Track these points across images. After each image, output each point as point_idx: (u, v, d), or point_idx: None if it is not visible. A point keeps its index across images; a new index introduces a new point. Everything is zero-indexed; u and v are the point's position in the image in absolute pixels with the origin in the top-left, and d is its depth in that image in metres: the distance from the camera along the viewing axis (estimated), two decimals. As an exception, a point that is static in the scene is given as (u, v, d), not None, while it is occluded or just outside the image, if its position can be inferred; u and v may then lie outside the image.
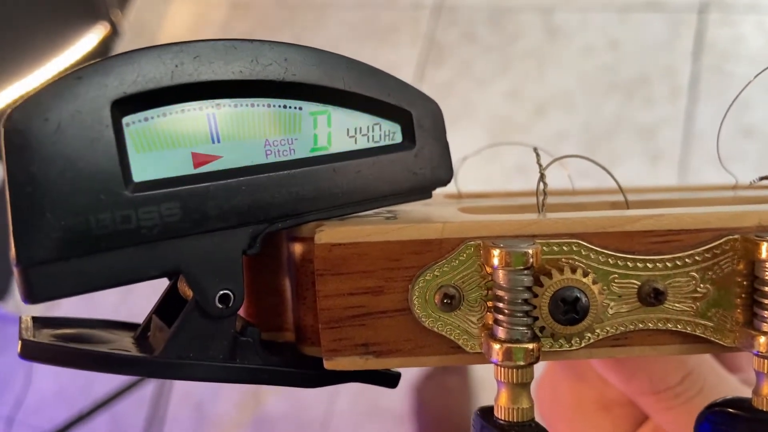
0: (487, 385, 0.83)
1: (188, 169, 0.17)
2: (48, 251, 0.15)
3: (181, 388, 0.91)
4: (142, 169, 0.16)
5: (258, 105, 0.18)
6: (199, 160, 0.17)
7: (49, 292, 0.15)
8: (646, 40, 0.97)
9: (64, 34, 1.05)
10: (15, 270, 0.15)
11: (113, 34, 1.10)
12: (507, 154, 0.97)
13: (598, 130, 0.94)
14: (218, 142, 0.17)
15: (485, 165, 0.97)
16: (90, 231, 0.15)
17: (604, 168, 0.21)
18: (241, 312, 0.21)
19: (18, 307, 0.94)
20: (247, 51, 0.17)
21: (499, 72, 1.01)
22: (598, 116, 0.95)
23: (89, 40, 1.09)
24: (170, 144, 0.17)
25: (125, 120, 0.16)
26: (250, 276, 0.21)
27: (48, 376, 0.94)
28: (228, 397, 0.90)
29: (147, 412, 0.90)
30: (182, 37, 1.14)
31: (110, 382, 0.88)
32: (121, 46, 1.11)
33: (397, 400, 0.85)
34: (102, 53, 1.08)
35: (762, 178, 0.20)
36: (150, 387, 0.91)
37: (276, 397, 0.89)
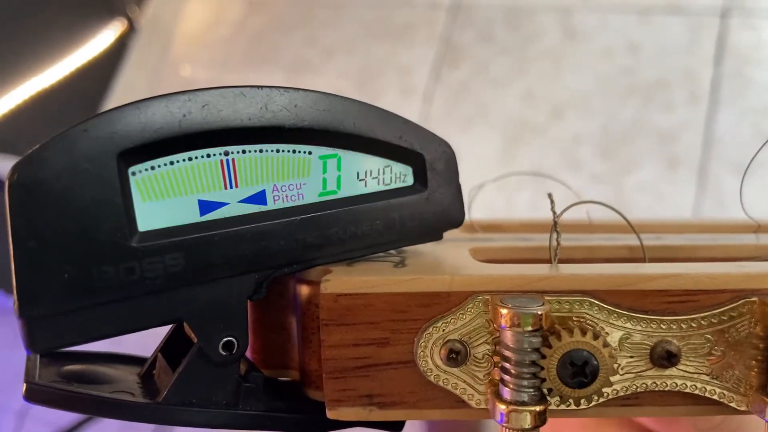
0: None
1: (194, 217, 0.17)
2: (50, 306, 0.15)
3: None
4: (148, 219, 0.16)
5: (267, 150, 0.17)
6: (205, 207, 0.17)
7: (50, 343, 0.15)
8: (667, 44, 0.96)
9: (81, 31, 1.06)
10: (18, 322, 0.15)
11: (130, 30, 1.10)
12: (523, 156, 0.96)
13: (616, 134, 0.93)
14: (225, 188, 0.17)
15: (503, 167, 0.97)
16: (93, 284, 0.15)
17: (620, 213, 0.20)
18: (248, 348, 0.20)
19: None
20: (257, 98, 0.17)
21: (516, 73, 1.00)
22: (616, 120, 0.94)
23: (106, 36, 1.09)
24: (177, 192, 0.16)
25: (131, 170, 0.16)
26: (257, 313, 0.21)
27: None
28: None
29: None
30: (198, 34, 1.14)
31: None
32: (138, 43, 1.11)
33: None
34: (119, 50, 1.08)
35: None
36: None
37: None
